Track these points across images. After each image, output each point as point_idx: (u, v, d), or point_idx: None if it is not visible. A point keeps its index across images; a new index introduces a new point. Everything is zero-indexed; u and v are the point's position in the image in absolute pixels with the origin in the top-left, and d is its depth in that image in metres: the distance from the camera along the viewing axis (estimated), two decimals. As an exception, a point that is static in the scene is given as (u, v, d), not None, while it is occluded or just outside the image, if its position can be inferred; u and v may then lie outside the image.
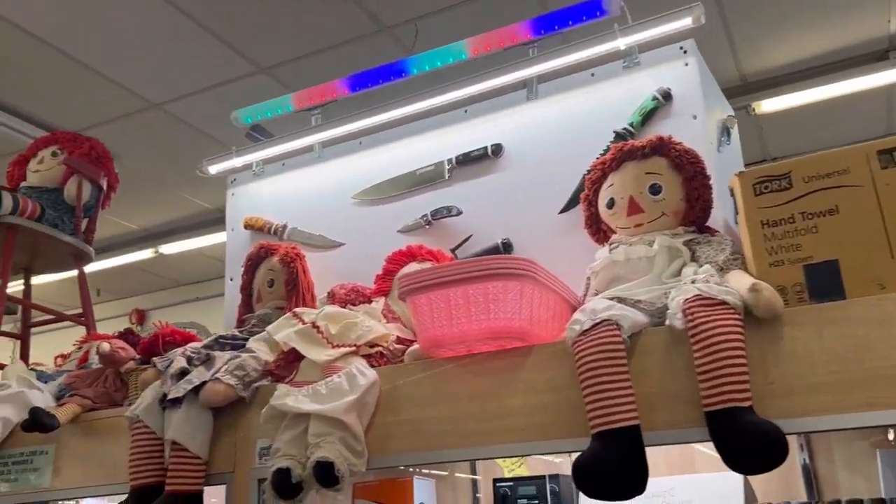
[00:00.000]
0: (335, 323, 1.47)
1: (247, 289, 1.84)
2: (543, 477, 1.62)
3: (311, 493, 1.36)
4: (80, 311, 2.42)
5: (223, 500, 1.50)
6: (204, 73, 3.92)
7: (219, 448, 1.51)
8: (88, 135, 2.49)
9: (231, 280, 2.02)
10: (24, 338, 2.44)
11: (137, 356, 1.82)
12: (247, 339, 1.65)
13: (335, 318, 1.48)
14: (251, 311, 1.81)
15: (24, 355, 2.38)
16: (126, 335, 1.87)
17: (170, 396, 1.49)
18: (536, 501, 1.59)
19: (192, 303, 6.98)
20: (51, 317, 2.42)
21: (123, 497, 1.67)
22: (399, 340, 1.52)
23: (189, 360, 1.58)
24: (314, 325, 1.46)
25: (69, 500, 1.91)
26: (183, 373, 1.56)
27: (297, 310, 1.56)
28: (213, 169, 2.01)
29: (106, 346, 1.74)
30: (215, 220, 5.85)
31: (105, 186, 2.46)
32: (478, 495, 1.76)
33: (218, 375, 1.50)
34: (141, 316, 7.38)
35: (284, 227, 1.95)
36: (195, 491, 1.46)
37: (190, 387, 1.49)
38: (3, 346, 3.35)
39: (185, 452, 1.47)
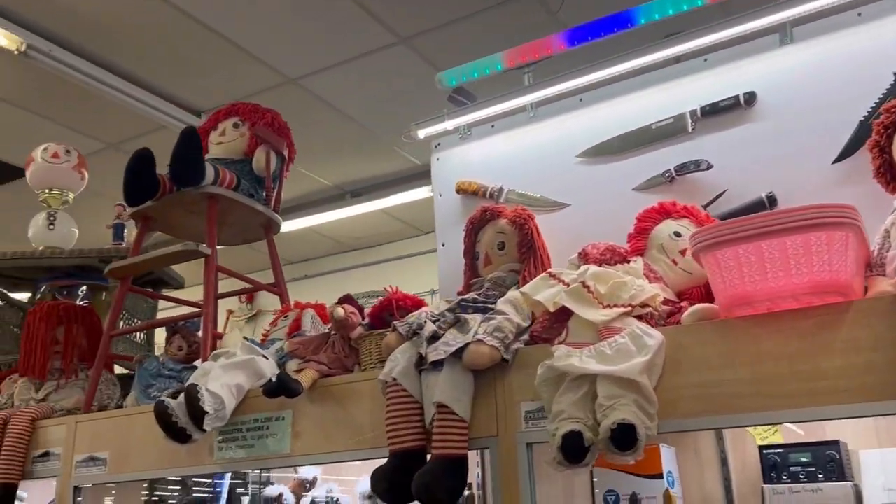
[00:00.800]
0: (603, 283, 1.43)
1: (470, 253, 1.81)
2: (821, 443, 1.54)
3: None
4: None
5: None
6: (341, 45, 3.93)
7: (477, 412, 1.49)
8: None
9: (443, 246, 1.99)
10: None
11: (365, 321, 1.82)
12: (489, 303, 1.62)
13: (602, 278, 1.43)
14: (477, 276, 1.79)
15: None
16: (349, 300, 1.87)
17: (431, 359, 1.48)
18: (813, 469, 1.52)
19: (300, 281, 7.09)
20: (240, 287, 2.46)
21: (364, 462, 1.68)
22: (663, 301, 1.47)
23: (421, 324, 1.57)
24: (584, 285, 1.41)
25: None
26: (434, 336, 1.54)
27: (552, 270, 1.52)
28: (422, 133, 1.99)
29: (341, 311, 1.74)
30: (333, 198, 5.92)
31: (287, 157, 2.48)
32: (727, 465, 1.70)
33: (479, 337, 1.47)
34: (251, 296, 7.54)
35: (500, 189, 1.91)
36: (462, 454, 1.44)
37: (451, 349, 1.47)
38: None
39: (451, 415, 1.45)
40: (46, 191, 2.90)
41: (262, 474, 2.26)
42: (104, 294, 2.88)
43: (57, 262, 2.68)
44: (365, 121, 4.70)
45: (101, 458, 2.00)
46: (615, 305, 1.40)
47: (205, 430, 1.70)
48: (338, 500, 1.99)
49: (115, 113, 4.29)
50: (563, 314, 1.45)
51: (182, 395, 1.74)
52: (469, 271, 1.80)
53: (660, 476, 1.67)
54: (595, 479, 1.73)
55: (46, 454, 2.12)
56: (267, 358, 1.87)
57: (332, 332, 1.86)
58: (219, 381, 1.74)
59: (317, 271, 7.19)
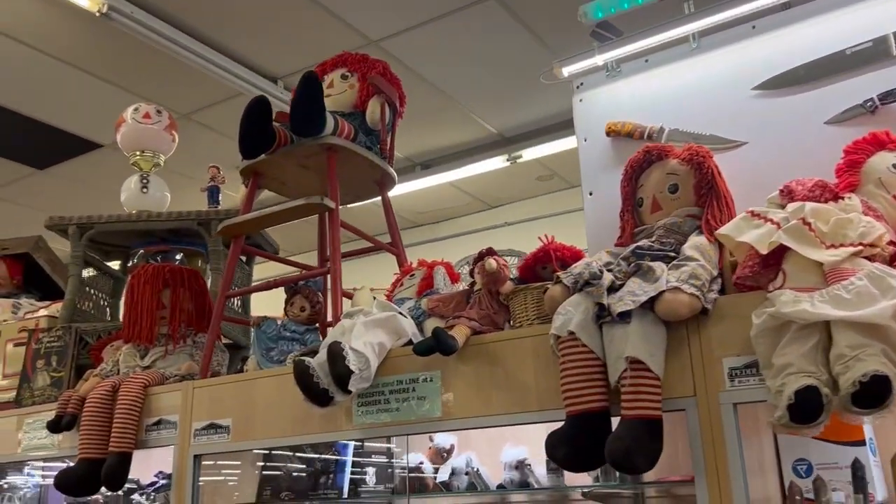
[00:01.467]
0: (823, 220, 1.26)
1: (631, 199, 1.65)
2: None
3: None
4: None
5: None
6: (424, 4, 3.78)
7: (668, 369, 1.33)
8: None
9: (590, 195, 1.84)
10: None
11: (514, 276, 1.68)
12: (668, 251, 1.46)
13: (822, 215, 1.27)
14: (641, 223, 1.63)
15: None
16: (493, 253, 1.73)
17: (619, 310, 1.33)
18: None
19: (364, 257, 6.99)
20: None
21: (529, 425, 1.55)
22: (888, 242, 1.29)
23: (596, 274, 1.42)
24: (804, 223, 1.25)
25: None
26: (610, 287, 1.40)
27: (755, 209, 1.36)
28: (566, 70, 1.83)
29: (493, 263, 1.60)
30: (402, 171, 5.79)
31: (398, 109, 2.34)
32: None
33: (675, 284, 1.32)
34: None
35: (661, 129, 1.75)
36: (658, 416, 1.29)
37: (641, 298, 1.32)
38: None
39: (645, 372, 1.30)
40: (137, 153, 2.81)
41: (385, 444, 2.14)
42: (200, 260, 2.79)
43: (153, 225, 2.59)
44: (444, 86, 4.55)
45: (224, 425, 1.89)
46: (840, 245, 1.23)
47: (349, 392, 1.58)
48: (477, 469, 1.86)
49: (189, 80, 4.21)
50: (773, 257, 1.29)
51: (323, 355, 1.62)
52: (631, 219, 1.64)
53: (861, 443, 1.50)
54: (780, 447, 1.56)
55: (160, 422, 2.03)
56: (406, 316, 1.74)
57: (476, 288, 1.72)
58: (361, 340, 1.62)
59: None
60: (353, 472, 2.08)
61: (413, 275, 1.98)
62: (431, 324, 1.76)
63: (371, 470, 2.03)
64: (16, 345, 2.61)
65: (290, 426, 1.78)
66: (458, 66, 4.29)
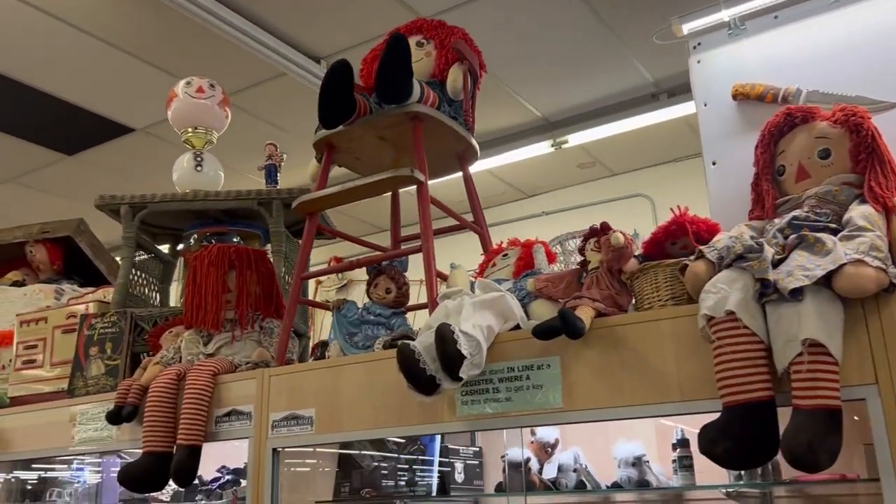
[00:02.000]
0: None
1: (770, 166, 1.50)
2: None
3: None
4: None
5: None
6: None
7: (844, 353, 1.18)
8: (348, 54, 2.18)
9: (714, 164, 1.69)
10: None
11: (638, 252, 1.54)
12: (826, 222, 1.31)
13: None
14: (783, 194, 1.48)
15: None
16: (609, 228, 1.58)
17: (791, 286, 1.17)
18: None
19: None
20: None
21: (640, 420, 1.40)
22: None
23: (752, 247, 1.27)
24: None
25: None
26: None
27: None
28: (686, 27, 1.68)
29: (620, 236, 1.45)
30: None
31: (478, 78, 2.19)
32: None
33: (857, 257, 1.16)
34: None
35: (798, 91, 1.59)
36: (838, 406, 1.14)
37: (817, 273, 1.17)
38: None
39: (825, 356, 1.15)
40: (190, 129, 2.68)
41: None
42: (257, 243, 2.66)
43: (210, 205, 2.45)
44: (491, 66, 4.39)
45: (306, 416, 1.75)
46: None
47: (460, 379, 1.43)
48: (586, 466, 1.72)
49: (231, 59, 4.06)
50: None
51: (426, 338, 1.48)
52: (771, 189, 1.49)
53: None
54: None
55: (232, 413, 1.89)
56: (513, 296, 1.60)
57: (591, 267, 1.58)
58: (470, 322, 1.47)
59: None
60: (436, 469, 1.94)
61: (506, 254, 1.84)
62: (539, 306, 1.61)
63: (459, 465, 1.88)
64: (64, 332, 2.48)
65: (383, 417, 1.64)
66: (508, 45, 4.13)
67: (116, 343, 2.27)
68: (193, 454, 1.85)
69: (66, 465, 2.62)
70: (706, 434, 1.22)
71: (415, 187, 1.85)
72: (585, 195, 6.17)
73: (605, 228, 1.57)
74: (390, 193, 2.26)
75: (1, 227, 3.24)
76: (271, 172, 2.62)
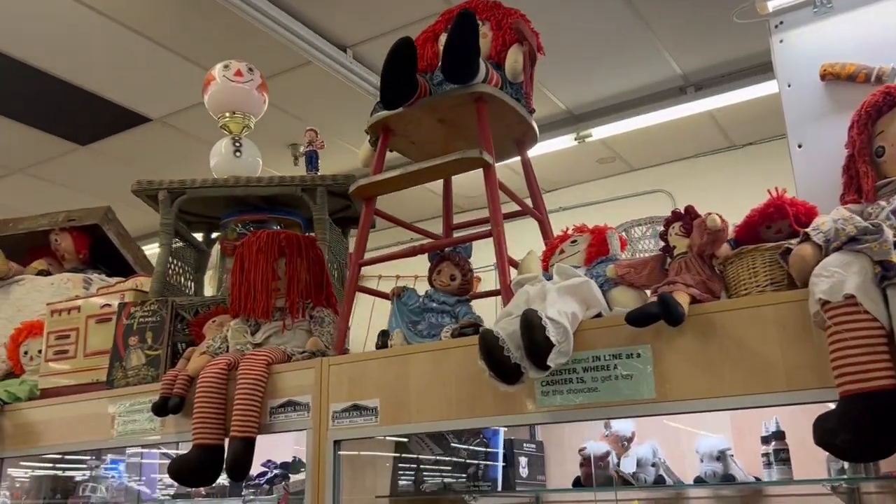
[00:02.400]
0: None
1: (867, 147, 1.44)
2: None
3: None
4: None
5: None
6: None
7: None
8: (375, 44, 2.10)
9: (799, 147, 1.63)
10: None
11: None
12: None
13: None
14: (882, 176, 1.42)
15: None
16: (694, 213, 1.52)
17: (922, 268, 1.12)
18: None
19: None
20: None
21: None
22: None
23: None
24: None
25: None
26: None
27: None
28: (771, 5, 1.63)
29: (717, 219, 1.40)
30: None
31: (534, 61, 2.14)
32: None
33: None
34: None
35: (893, 70, 1.54)
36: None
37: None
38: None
39: (960, 343, 1.09)
40: (227, 115, 2.62)
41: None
42: (297, 230, 2.59)
43: (252, 191, 2.39)
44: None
45: (370, 406, 1.69)
46: None
47: (547, 367, 1.37)
48: (664, 460, 1.66)
49: (253, 45, 3.99)
50: None
51: (508, 325, 1.42)
52: (870, 171, 1.43)
53: None
54: None
55: (288, 404, 1.83)
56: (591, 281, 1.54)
57: (677, 252, 1.52)
58: (555, 308, 1.41)
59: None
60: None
61: (575, 241, 1.78)
62: (620, 293, 1.56)
63: (523, 460, 1.83)
64: (98, 321, 2.41)
65: (454, 408, 1.58)
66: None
67: (157, 332, 2.21)
68: (248, 447, 1.79)
69: (98, 460, 2.56)
70: (823, 424, 1.16)
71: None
72: (604, 191, 6.12)
73: (690, 212, 1.51)
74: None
75: (16, 217, 3.18)
76: (312, 159, 2.56)
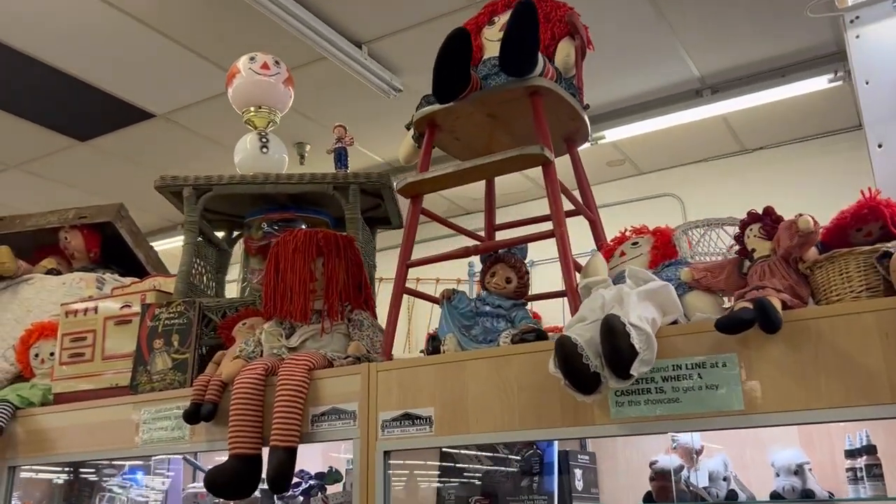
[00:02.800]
0: None
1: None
2: None
3: None
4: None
5: None
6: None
7: None
8: (391, 41, 2.01)
9: (880, 147, 1.57)
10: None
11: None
12: None
13: None
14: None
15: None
16: (773, 214, 1.45)
17: None
18: None
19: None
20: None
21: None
22: None
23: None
24: None
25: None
26: None
27: None
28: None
29: (810, 220, 1.33)
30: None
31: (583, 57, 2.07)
32: None
33: None
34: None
35: (984, 67, 1.48)
36: None
37: None
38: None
39: None
40: (252, 109, 2.52)
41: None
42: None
43: (282, 188, 2.30)
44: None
45: (423, 415, 1.61)
46: None
47: (630, 377, 1.30)
48: (735, 474, 1.59)
49: (264, 39, 3.89)
50: None
51: (585, 332, 1.34)
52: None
53: None
54: None
55: (333, 412, 1.74)
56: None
57: (758, 256, 1.45)
58: (635, 313, 1.34)
59: (429, 236, 6.76)
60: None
61: (636, 242, 1.71)
62: (696, 298, 1.49)
63: (578, 472, 1.75)
64: (118, 323, 2.32)
65: (517, 418, 1.50)
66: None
67: (184, 335, 2.11)
68: (291, 457, 1.71)
69: (115, 469, 2.45)
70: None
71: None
72: (612, 194, 6.06)
73: (769, 213, 1.45)
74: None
75: (23, 214, 3.07)
76: (341, 156, 2.47)
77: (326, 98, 4.45)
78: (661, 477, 1.53)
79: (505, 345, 1.60)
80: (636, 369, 1.29)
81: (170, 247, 5.38)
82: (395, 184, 1.83)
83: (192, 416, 1.88)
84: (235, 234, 2.67)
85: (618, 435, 1.42)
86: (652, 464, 1.56)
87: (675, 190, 5.88)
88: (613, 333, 1.29)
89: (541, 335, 1.58)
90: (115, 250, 2.97)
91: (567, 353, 1.32)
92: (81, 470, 2.49)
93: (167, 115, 4.74)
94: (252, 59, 2.52)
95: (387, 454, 1.64)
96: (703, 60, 4.34)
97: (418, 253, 1.83)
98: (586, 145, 5.11)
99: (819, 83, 4.31)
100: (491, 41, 2.03)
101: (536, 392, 1.49)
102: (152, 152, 5.13)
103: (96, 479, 2.45)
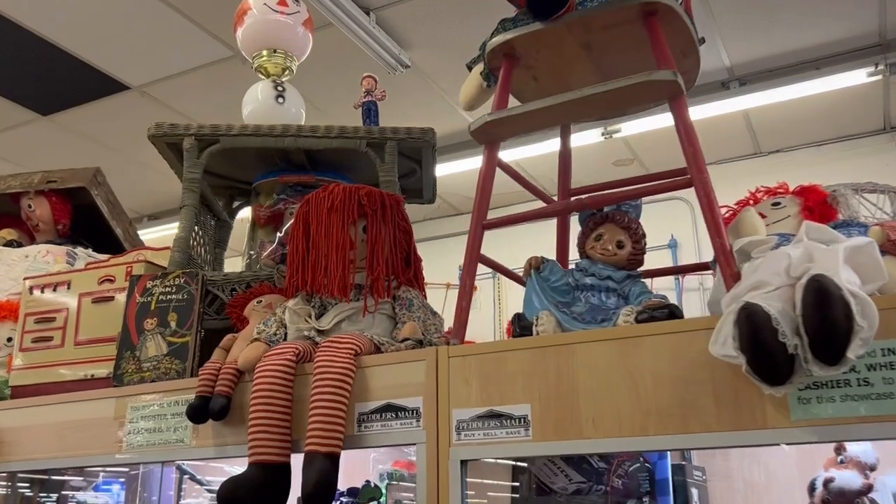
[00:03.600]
0: None
1: None
2: None
3: None
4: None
5: None
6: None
7: None
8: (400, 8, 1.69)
9: None
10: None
11: None
12: None
13: None
14: None
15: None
16: None
17: None
18: None
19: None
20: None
21: None
22: None
23: None
24: None
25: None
26: None
27: None
28: None
29: None
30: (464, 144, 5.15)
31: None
32: None
33: None
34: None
35: None
36: None
37: None
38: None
39: None
40: (265, 53, 2.15)
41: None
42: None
43: (305, 143, 1.92)
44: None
45: (515, 415, 1.25)
46: None
47: (844, 361, 0.95)
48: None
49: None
50: None
51: (774, 299, 1.00)
52: None
53: None
54: None
55: (388, 409, 1.37)
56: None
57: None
58: (844, 276, 1.00)
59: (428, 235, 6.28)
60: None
61: (778, 203, 1.37)
62: (890, 264, 1.15)
63: (694, 492, 1.40)
64: (95, 301, 1.91)
65: (653, 420, 1.15)
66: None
67: (184, 314, 1.72)
68: (334, 466, 1.32)
69: (85, 479, 2.03)
70: None
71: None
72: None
73: None
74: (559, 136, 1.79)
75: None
76: (370, 111, 2.10)
77: (324, 70, 4.06)
78: (839, 500, 1.18)
79: (624, 324, 1.25)
80: (854, 351, 0.95)
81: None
82: (469, 126, 1.46)
83: (199, 412, 1.49)
84: (236, 203, 2.28)
85: (801, 442, 1.07)
86: (828, 482, 1.21)
87: (683, 193, 5.60)
88: (828, 300, 0.94)
89: (674, 313, 1.22)
90: (85, 224, 2.56)
91: (757, 327, 0.97)
92: (42, 479, 2.06)
93: (142, 87, 4.31)
94: (268, -7, 2.14)
95: (464, 464, 1.27)
96: (737, 49, 4.07)
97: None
98: (600, 139, 4.81)
99: (856, 77, 4.07)
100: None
101: (680, 385, 1.14)
102: (124, 130, 4.68)
103: (62, 491, 2.02)
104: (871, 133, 4.89)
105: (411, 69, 3.95)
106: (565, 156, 1.79)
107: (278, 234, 2.02)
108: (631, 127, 4.70)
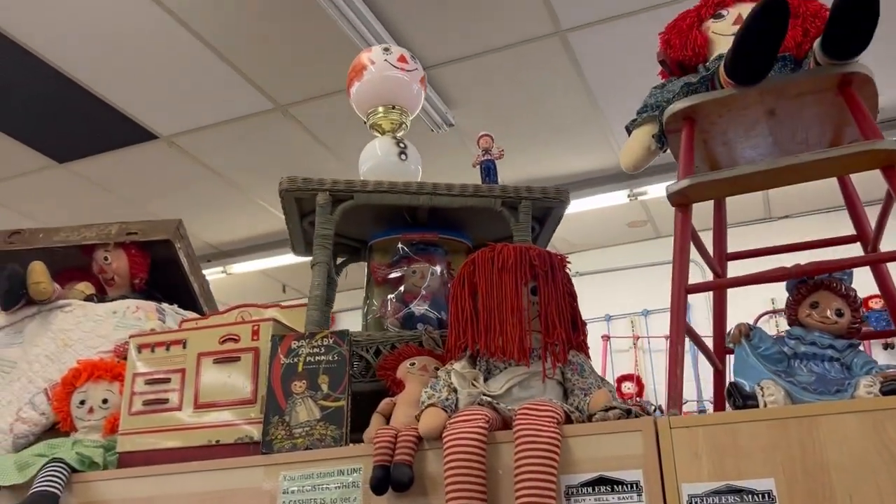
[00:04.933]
0: None
1: None
2: None
3: None
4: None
5: None
6: None
7: None
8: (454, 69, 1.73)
9: None
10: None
11: None
12: None
13: None
14: None
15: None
16: None
17: None
18: None
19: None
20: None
21: None
22: None
23: None
24: None
25: None
26: None
27: None
28: None
29: None
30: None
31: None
32: None
33: None
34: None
35: None
36: None
37: None
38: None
39: None
40: (381, 109, 2.12)
41: None
42: (463, 256, 2.09)
43: (440, 201, 1.89)
44: (591, 92, 4.01)
45: (757, 490, 1.21)
46: None
47: None
48: None
49: (314, 54, 3.49)
50: None
51: None
52: None
53: None
54: None
55: (602, 482, 1.31)
56: None
57: None
58: None
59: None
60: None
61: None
62: None
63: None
64: (217, 361, 1.82)
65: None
66: (619, 75, 3.77)
67: (335, 376, 1.64)
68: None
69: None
70: None
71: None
72: (627, 258, 5.83)
73: None
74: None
75: (47, 227, 2.55)
76: (489, 170, 2.08)
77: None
78: None
79: (867, 395, 1.23)
80: None
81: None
82: (666, 188, 1.45)
83: (381, 483, 1.41)
84: (339, 260, 2.22)
85: None
86: None
87: (695, 256, 5.69)
88: None
89: (918, 384, 1.21)
90: (165, 278, 2.47)
91: None
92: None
93: (172, 137, 4.23)
94: (387, 50, 2.13)
95: (703, 545, 1.22)
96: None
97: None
98: (625, 200, 4.86)
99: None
100: (722, 35, 1.73)
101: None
102: (139, 182, 4.56)
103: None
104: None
105: (454, 128, 3.96)
106: (720, 216, 1.78)
107: (399, 292, 1.97)
108: (656, 190, 4.76)
